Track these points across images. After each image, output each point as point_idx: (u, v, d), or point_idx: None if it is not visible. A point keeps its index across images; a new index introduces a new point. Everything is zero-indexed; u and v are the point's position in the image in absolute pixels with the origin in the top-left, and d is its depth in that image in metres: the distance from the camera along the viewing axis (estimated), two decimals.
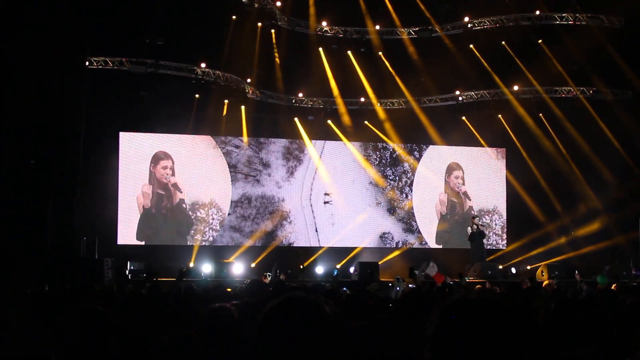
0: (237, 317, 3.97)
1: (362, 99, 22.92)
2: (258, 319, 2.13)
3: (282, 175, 21.86)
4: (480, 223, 20.89)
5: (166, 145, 20.70)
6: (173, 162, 20.64)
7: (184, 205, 20.64)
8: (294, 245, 21.74)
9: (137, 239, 20.06)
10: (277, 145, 22.03)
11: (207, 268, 18.49)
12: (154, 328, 4.36)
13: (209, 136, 21.20)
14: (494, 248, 22.52)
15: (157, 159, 20.53)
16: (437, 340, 1.98)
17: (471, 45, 22.23)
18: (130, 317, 5.78)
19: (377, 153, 22.93)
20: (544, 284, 14.99)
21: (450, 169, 23.33)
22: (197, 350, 3.47)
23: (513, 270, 21.11)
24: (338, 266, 20.77)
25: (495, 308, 2.00)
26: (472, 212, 22.61)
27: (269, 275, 16.22)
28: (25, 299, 7.29)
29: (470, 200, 23.24)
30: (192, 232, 20.64)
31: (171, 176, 20.54)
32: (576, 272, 16.36)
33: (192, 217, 20.67)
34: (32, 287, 9.36)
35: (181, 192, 20.61)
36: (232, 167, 21.32)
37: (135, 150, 20.30)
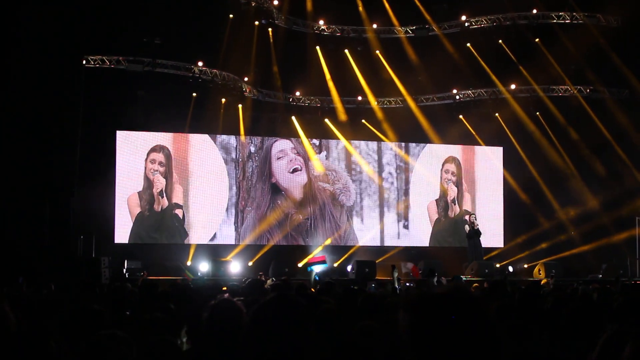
0: (244, 312, 3.98)
1: (360, 98, 22.93)
2: (251, 310, 2.44)
3: (280, 174, 21.83)
4: (475, 221, 20.84)
5: (160, 142, 20.64)
6: (170, 157, 20.54)
7: (177, 211, 20.55)
8: (291, 243, 21.72)
9: (132, 241, 20.00)
10: (274, 143, 21.98)
11: (204, 267, 18.50)
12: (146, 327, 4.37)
13: (207, 135, 21.18)
14: (491, 246, 22.51)
15: (150, 152, 20.47)
16: (415, 337, 1.99)
17: (468, 44, 22.26)
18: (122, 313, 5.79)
19: (374, 151, 22.91)
20: (542, 283, 15.06)
21: (444, 163, 23.31)
22: (178, 356, 3.48)
23: (510, 268, 21.14)
24: (335, 265, 20.76)
25: (461, 298, 2.01)
26: (469, 210, 22.58)
27: (261, 275, 16.21)
28: (27, 298, 7.28)
29: (466, 198, 23.23)
30: (189, 233, 20.58)
31: (160, 174, 20.41)
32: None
33: (188, 216, 20.62)
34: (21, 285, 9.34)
35: (176, 194, 20.56)
36: (229, 166, 21.29)
37: (132, 148, 20.26)
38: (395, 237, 22.70)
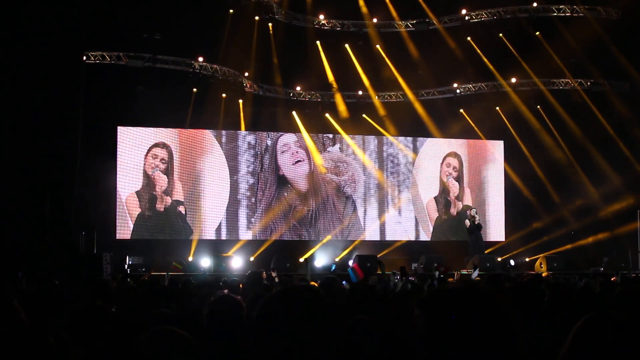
0: (245, 308, 3.99)
1: (360, 92, 22.91)
2: (259, 304, 2.46)
3: (280, 169, 21.84)
4: (475, 215, 20.82)
5: (163, 139, 20.66)
6: (172, 155, 20.56)
7: (180, 209, 20.55)
8: (293, 238, 21.74)
9: (133, 237, 20.02)
10: (279, 137, 22.00)
11: (205, 262, 18.51)
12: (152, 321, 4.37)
13: (207, 130, 21.19)
14: (492, 240, 22.53)
15: (153, 147, 20.49)
16: (431, 333, 2.00)
17: (469, 38, 22.24)
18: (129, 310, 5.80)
19: (375, 146, 22.90)
20: (543, 276, 15.06)
21: (446, 157, 23.31)
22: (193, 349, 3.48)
23: (512, 262, 21.14)
24: (337, 259, 20.78)
25: (478, 294, 2.02)
26: (469, 205, 22.56)
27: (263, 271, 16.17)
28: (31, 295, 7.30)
29: (467, 192, 23.22)
30: (191, 228, 20.59)
31: (160, 171, 20.39)
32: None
33: (190, 212, 20.62)
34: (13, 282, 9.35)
35: (178, 191, 20.56)
36: (231, 161, 21.29)
37: (133, 144, 20.26)
38: (397, 231, 22.69)
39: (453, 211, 23.02)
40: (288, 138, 22.06)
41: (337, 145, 22.47)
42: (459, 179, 23.25)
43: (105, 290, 7.24)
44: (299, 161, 22.02)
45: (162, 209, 20.34)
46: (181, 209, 20.53)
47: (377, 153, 22.88)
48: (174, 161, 20.58)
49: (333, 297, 5.38)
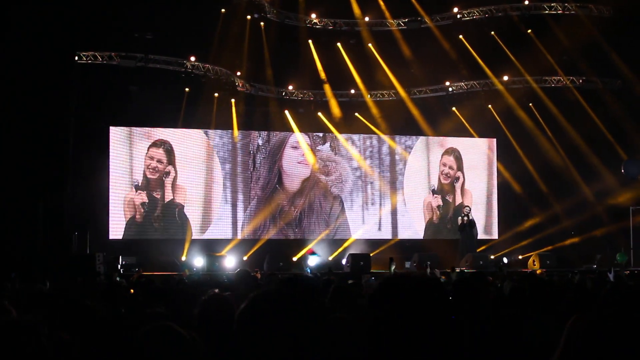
0: (234, 306, 3.99)
1: (352, 91, 22.91)
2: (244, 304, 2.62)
3: (288, 160, 21.86)
4: (469, 213, 20.86)
5: (157, 139, 20.63)
6: (171, 152, 20.56)
7: (173, 208, 20.51)
8: (285, 237, 21.73)
9: (126, 237, 20.00)
10: (268, 138, 21.99)
11: (199, 262, 18.50)
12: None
13: (200, 129, 21.16)
14: (485, 238, 22.55)
15: (150, 147, 20.48)
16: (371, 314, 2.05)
17: (461, 36, 22.25)
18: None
19: (368, 145, 22.91)
20: (537, 273, 15.10)
21: (443, 154, 23.33)
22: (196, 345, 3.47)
23: (505, 260, 21.18)
24: (330, 258, 20.81)
25: (420, 282, 2.07)
26: (463, 204, 22.59)
27: (257, 271, 16.19)
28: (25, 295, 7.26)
29: (460, 190, 23.25)
30: (184, 228, 20.57)
31: (155, 171, 20.36)
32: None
33: (182, 212, 20.59)
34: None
35: (170, 190, 20.52)
36: (223, 160, 21.27)
37: (126, 144, 20.22)
38: (390, 229, 22.70)
39: (446, 209, 23.05)
40: (300, 137, 22.16)
41: (327, 144, 22.47)
42: (456, 177, 23.27)
43: (114, 291, 7.22)
44: (303, 161, 22.10)
45: (155, 209, 20.32)
46: (174, 208, 20.50)
47: (370, 151, 22.88)
48: (174, 160, 20.58)
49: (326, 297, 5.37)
